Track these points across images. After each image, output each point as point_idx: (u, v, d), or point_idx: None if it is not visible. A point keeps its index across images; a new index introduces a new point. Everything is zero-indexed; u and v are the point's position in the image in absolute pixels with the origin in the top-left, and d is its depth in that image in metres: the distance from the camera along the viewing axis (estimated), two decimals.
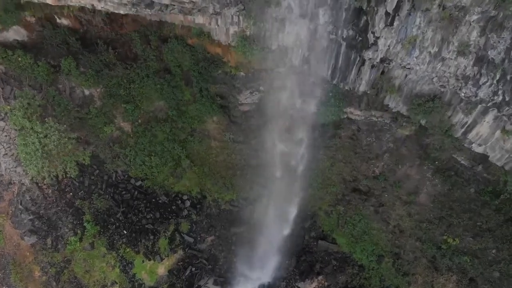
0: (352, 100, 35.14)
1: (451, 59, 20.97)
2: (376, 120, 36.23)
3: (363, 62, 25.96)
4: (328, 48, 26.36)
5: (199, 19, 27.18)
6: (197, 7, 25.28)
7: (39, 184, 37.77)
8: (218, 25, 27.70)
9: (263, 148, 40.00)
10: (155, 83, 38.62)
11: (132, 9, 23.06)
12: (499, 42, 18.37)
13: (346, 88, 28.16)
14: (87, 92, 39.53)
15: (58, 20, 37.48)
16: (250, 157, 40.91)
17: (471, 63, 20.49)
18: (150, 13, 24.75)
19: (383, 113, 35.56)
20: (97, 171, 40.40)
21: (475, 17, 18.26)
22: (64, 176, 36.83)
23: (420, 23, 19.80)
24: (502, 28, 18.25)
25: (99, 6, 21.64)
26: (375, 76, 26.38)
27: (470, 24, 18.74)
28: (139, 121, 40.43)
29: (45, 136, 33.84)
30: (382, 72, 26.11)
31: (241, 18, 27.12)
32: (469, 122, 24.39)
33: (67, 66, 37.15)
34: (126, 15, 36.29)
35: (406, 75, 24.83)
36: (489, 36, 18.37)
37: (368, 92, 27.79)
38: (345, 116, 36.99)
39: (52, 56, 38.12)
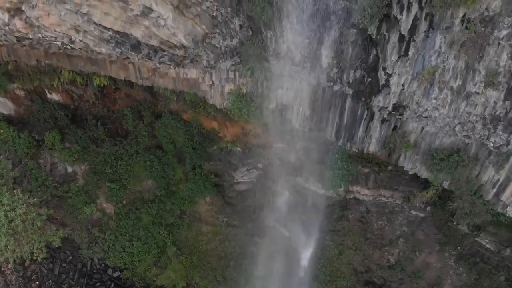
0: (359, 177, 32.16)
1: (478, 93, 18.12)
2: (386, 200, 32.75)
3: (371, 117, 23.22)
4: (331, 104, 23.85)
5: (192, 73, 25.12)
6: (189, 55, 23.35)
7: (2, 269, 32.74)
8: (212, 82, 25.57)
9: (261, 233, 35.82)
10: (144, 159, 35.87)
11: (115, 48, 20.99)
12: None
13: (354, 149, 25.05)
14: (70, 169, 36.58)
15: (48, 95, 36.09)
16: (246, 244, 36.37)
17: (502, 96, 17.65)
18: (137, 58, 22.73)
19: (393, 192, 32.23)
20: (71, 257, 35.70)
21: (504, 32, 15.86)
22: (31, 260, 31.99)
23: (440, 46, 17.36)
24: None
25: (78, 39, 19.55)
26: (386, 132, 23.42)
27: (499, 43, 16.29)
28: (124, 202, 36.82)
29: (12, 210, 29.85)
30: (394, 128, 23.20)
31: (237, 74, 25.14)
32: (501, 180, 20.71)
33: (51, 140, 34.97)
34: (119, 89, 35.02)
35: (423, 128, 21.84)
36: None
37: (379, 153, 24.55)
38: (351, 196, 33.55)
39: (38, 130, 36.18)
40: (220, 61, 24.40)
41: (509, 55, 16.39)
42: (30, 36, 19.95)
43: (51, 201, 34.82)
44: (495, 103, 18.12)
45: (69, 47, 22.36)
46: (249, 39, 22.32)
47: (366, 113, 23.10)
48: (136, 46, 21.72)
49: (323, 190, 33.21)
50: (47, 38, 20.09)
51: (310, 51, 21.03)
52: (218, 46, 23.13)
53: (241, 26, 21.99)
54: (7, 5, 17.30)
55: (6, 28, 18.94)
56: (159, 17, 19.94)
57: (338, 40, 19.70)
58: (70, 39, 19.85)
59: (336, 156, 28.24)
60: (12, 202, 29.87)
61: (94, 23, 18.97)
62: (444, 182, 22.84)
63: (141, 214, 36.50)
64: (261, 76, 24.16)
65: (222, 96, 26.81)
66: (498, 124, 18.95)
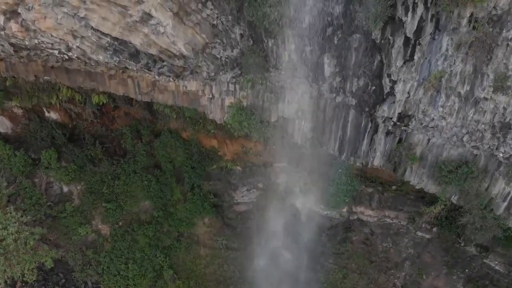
0: (362, 197, 31.33)
1: (487, 99, 17.50)
2: (391, 221, 31.80)
3: (376, 129, 22.56)
4: (334, 116, 23.24)
5: (192, 85, 24.65)
6: (189, 66, 22.91)
7: None
8: (212, 94, 25.06)
9: (262, 257, 34.56)
10: (142, 179, 35.06)
11: (113, 57, 20.53)
12: None
13: (358, 163, 24.25)
14: (65, 189, 35.74)
15: (46, 114, 35.68)
16: (246, 268, 35.07)
17: None
18: (135, 67, 22.25)
19: (397, 213, 31.35)
20: (64, 280, 34.39)
21: None
22: (22, 281, 30.64)
23: (447, 49, 16.83)
24: None
25: (75, 45, 19.08)
26: (391, 145, 22.71)
27: (508, 44, 15.78)
28: (120, 223, 35.81)
29: (4, 228, 28.72)
30: (399, 141, 22.50)
31: (237, 86, 24.67)
32: None
33: (48, 158, 34.31)
34: (118, 107, 34.61)
35: (429, 140, 21.14)
36: None
37: (384, 167, 23.74)
38: (355, 217, 32.57)
39: (34, 149, 35.63)
40: (221, 73, 23.94)
41: None
42: (26, 43, 19.52)
43: (45, 221, 33.82)
44: (505, 109, 17.48)
45: (66, 57, 21.89)
46: (250, 48, 21.93)
47: (370, 125, 22.46)
48: (135, 55, 21.27)
49: (326, 210, 32.36)
50: (43, 45, 19.65)
51: (312, 59, 20.56)
52: (218, 56, 22.70)
53: (242, 35, 21.63)
54: (3, 6, 16.95)
55: (2, 32, 18.53)
56: (158, 24, 19.56)
57: (341, 47, 19.25)
58: (67, 45, 19.40)
59: (340, 171, 27.43)
60: (5, 220, 28.77)
61: (92, 28, 18.58)
62: (453, 196, 21.94)
63: (137, 236, 35.40)
64: (262, 88, 23.68)
65: (222, 110, 26.25)
66: (508, 133, 18.26)
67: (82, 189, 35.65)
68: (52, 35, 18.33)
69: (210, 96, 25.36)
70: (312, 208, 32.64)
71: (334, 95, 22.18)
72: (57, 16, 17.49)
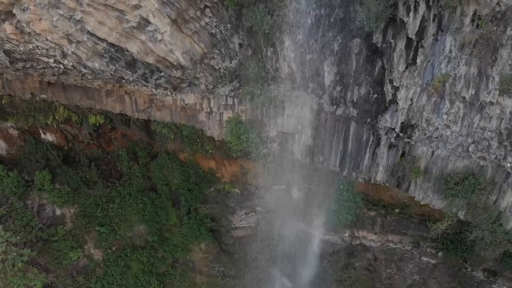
0: (365, 221, 30.33)
1: (492, 103, 16.88)
2: (395, 246, 30.71)
3: (378, 142, 21.91)
4: (335, 130, 22.65)
5: (190, 98, 24.18)
6: (187, 77, 22.50)
7: None
8: (210, 109, 24.56)
9: (260, 285, 33.07)
10: (137, 202, 34.18)
11: (109, 65, 20.12)
12: None
13: (360, 179, 23.42)
14: (58, 212, 34.75)
15: (42, 135, 35.26)
16: None
17: None
18: (132, 78, 21.81)
19: (401, 237, 30.31)
20: None
21: None
22: None
23: (450, 50, 16.36)
24: None
25: (70, 51, 18.69)
26: (394, 159, 21.97)
27: None
28: (113, 248, 34.57)
29: None
30: (403, 154, 21.78)
31: (236, 100, 24.21)
32: None
33: (41, 179, 33.52)
34: (115, 129, 34.13)
35: (433, 152, 20.42)
36: None
37: (387, 182, 22.89)
38: (357, 242, 31.41)
39: (28, 171, 34.98)
40: (219, 86, 23.53)
41: None
42: (21, 48, 19.18)
43: (36, 244, 32.58)
44: (511, 114, 16.87)
45: (62, 67, 21.52)
46: (249, 58, 21.57)
47: (372, 138, 21.81)
48: (131, 63, 20.91)
49: (327, 235, 31.34)
50: (38, 51, 19.29)
51: (312, 68, 20.14)
52: (217, 68, 22.35)
53: (240, 45, 21.34)
54: None
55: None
56: (156, 31, 19.28)
57: (341, 53, 18.86)
58: (62, 51, 19.03)
59: (342, 187, 26.54)
60: None
61: (88, 32, 18.27)
62: (460, 211, 20.99)
63: (131, 261, 34.12)
64: (261, 100, 23.14)
65: (220, 125, 25.68)
66: None
67: (75, 212, 34.68)
68: (47, 39, 18.00)
69: (208, 111, 24.85)
70: (313, 232, 31.56)
71: (335, 107, 21.66)
72: (53, 18, 17.19)
